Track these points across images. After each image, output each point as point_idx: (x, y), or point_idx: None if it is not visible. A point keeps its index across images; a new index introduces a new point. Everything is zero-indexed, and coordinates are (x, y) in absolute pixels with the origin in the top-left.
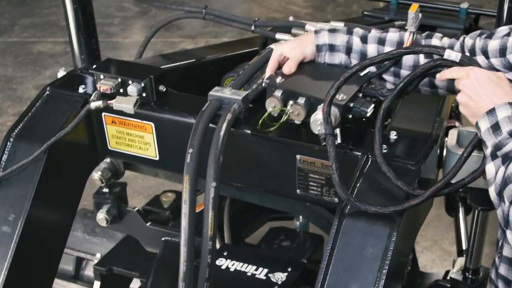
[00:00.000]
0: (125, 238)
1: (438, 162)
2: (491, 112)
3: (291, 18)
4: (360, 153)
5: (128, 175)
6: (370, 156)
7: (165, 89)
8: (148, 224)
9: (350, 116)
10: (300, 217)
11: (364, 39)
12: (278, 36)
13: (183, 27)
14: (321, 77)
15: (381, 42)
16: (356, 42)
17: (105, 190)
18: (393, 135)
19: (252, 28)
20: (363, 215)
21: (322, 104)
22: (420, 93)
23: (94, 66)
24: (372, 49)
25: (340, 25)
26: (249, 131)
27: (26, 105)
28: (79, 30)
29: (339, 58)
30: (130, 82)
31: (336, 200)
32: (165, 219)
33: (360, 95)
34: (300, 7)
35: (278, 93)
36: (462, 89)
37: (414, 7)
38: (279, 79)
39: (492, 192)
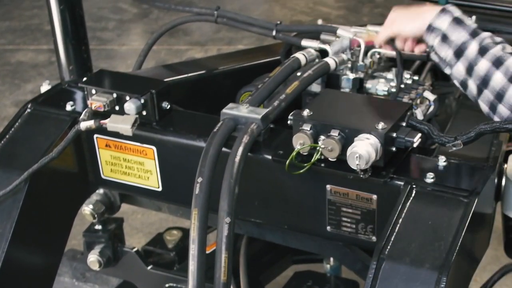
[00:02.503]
0: (122, 284)
1: (496, 193)
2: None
3: (319, 22)
4: (402, 183)
5: (125, 209)
6: (414, 186)
7: (169, 106)
8: (149, 267)
9: (394, 149)
10: (331, 259)
11: (483, 51)
12: (304, 43)
13: (191, 32)
14: (352, 105)
15: (497, 63)
16: (472, 50)
17: (98, 227)
18: (442, 161)
19: (274, 33)
20: (407, 256)
21: (360, 135)
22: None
23: (85, 78)
24: (483, 66)
25: (378, 29)
26: (269, 157)
27: (3, 125)
28: (67, 36)
29: (446, 53)
30: (127, 98)
31: (373, 238)
32: (170, 261)
33: (404, 124)
34: (331, 8)
35: (306, 127)
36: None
37: None
38: (306, 112)
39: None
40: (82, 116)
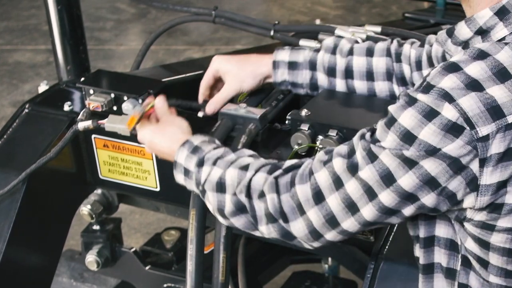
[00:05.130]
0: (120, 284)
1: None
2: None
3: (317, 22)
4: None
5: (123, 209)
6: None
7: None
8: (147, 267)
9: None
10: (329, 259)
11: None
12: (302, 42)
13: (189, 32)
14: (350, 105)
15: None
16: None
17: (96, 227)
18: None
19: (271, 33)
20: (405, 256)
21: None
22: None
23: (82, 79)
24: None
25: (377, 29)
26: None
27: (0, 126)
28: (65, 36)
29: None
30: (125, 98)
31: (372, 238)
32: (168, 261)
33: None
34: (329, 8)
35: (304, 127)
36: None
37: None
38: (304, 112)
39: None
40: (79, 116)
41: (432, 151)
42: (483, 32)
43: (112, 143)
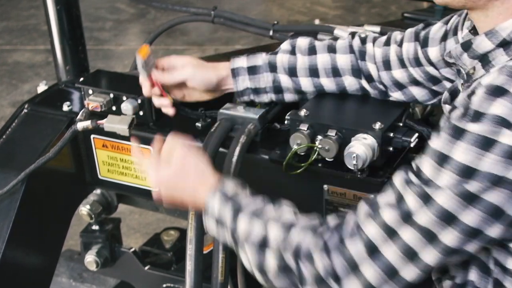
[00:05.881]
0: (119, 284)
1: None
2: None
3: (317, 22)
4: None
5: (122, 209)
6: None
7: None
8: (146, 267)
9: (391, 149)
10: None
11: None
12: None
13: (188, 32)
14: (349, 105)
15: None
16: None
17: (95, 227)
18: None
19: (271, 33)
20: None
21: (357, 135)
22: None
23: (82, 79)
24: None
25: (376, 29)
26: (267, 157)
27: (0, 126)
28: (64, 36)
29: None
30: (124, 98)
31: None
32: (167, 261)
33: (401, 124)
34: (328, 8)
35: (303, 127)
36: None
37: (144, 50)
38: (303, 112)
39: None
40: (78, 117)
41: (497, 181)
42: (505, 44)
43: (111, 143)
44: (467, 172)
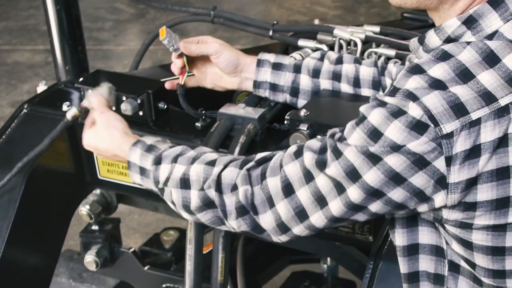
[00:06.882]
0: (118, 285)
1: None
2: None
3: (316, 22)
4: None
5: (122, 209)
6: None
7: (165, 106)
8: (146, 268)
9: None
10: (328, 259)
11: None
12: (301, 42)
13: (187, 32)
14: (349, 105)
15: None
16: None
17: (95, 227)
18: None
19: (270, 33)
20: None
21: None
22: None
23: (81, 79)
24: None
25: (375, 29)
26: None
27: None
28: (63, 36)
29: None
30: (124, 98)
31: (370, 238)
32: (167, 261)
33: None
34: (328, 8)
35: (303, 127)
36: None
37: (162, 31)
38: (302, 112)
39: None
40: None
41: (396, 148)
42: (451, 41)
43: None
44: (374, 134)
